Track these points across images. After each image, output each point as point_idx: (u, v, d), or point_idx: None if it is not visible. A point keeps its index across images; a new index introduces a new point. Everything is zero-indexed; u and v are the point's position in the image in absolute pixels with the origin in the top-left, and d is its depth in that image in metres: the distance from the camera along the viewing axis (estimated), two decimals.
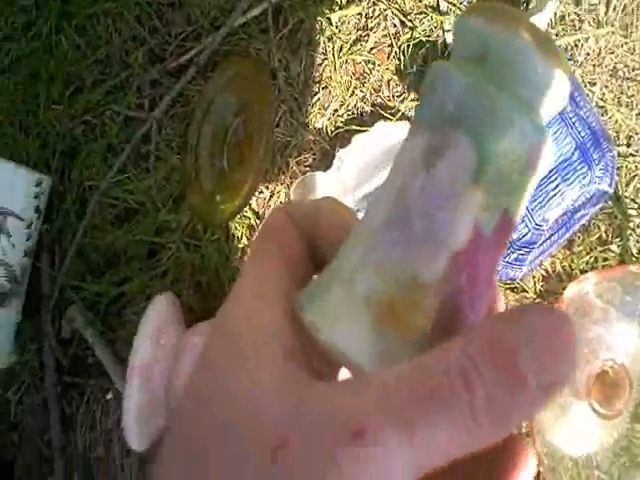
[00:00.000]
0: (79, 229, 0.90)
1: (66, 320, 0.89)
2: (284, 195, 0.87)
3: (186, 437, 0.21)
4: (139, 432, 0.69)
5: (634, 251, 0.83)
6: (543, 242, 0.79)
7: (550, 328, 0.18)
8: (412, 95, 0.87)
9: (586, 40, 0.89)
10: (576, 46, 0.89)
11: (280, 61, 0.90)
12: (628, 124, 0.86)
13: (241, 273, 0.25)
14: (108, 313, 0.89)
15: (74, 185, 0.92)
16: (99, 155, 0.91)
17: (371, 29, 0.90)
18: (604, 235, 0.83)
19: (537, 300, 0.82)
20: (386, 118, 0.85)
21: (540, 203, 0.78)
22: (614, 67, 0.88)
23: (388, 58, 0.89)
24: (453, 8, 0.87)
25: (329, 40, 0.89)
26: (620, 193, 0.84)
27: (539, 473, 0.74)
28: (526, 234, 0.78)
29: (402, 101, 0.87)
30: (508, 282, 0.81)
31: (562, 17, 0.89)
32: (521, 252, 0.78)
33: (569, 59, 0.88)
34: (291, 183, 0.86)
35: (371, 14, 0.90)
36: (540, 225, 0.78)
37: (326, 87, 0.89)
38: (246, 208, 0.86)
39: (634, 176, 0.85)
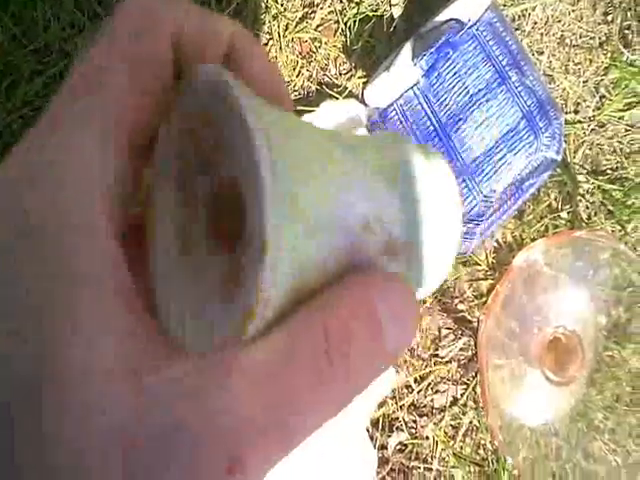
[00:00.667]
0: None
1: None
2: None
3: None
4: None
5: (584, 216, 0.79)
6: (492, 214, 0.76)
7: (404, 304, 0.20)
8: (359, 72, 0.84)
9: (533, 9, 0.86)
10: (523, 16, 0.86)
11: None
12: (575, 91, 0.82)
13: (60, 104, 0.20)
14: None
15: None
16: None
17: (317, 5, 0.87)
18: (554, 203, 0.80)
19: (489, 272, 0.79)
20: (332, 97, 0.83)
21: (487, 175, 0.75)
22: (561, 35, 0.84)
23: (334, 35, 0.86)
24: None
25: (274, 19, 0.85)
26: (569, 160, 0.81)
27: (496, 449, 0.72)
28: (474, 207, 0.75)
29: (349, 79, 0.84)
30: (459, 255, 0.78)
31: None
32: (470, 225, 0.74)
33: (516, 29, 0.86)
34: None
35: None
36: (489, 197, 0.75)
37: None
38: None
39: (582, 142, 0.82)
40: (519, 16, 0.86)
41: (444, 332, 0.77)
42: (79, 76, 0.20)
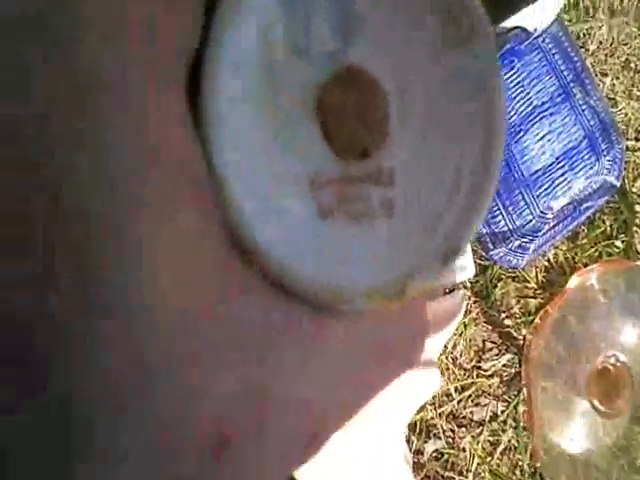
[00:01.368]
0: None
1: None
2: None
3: None
4: None
5: (639, 248, 0.77)
6: (547, 231, 0.74)
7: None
8: None
9: (599, 29, 0.84)
10: (588, 34, 0.84)
11: None
12: (637, 117, 0.80)
13: None
14: None
15: None
16: None
17: None
18: (609, 230, 0.77)
19: (538, 291, 0.78)
20: None
21: (545, 190, 0.74)
22: (626, 59, 0.82)
23: None
24: None
25: None
26: (627, 188, 0.78)
27: (536, 469, 0.72)
28: (530, 221, 0.73)
29: None
30: (510, 270, 0.76)
31: (576, 3, 0.84)
32: (524, 240, 0.73)
33: (580, 47, 0.84)
34: None
35: None
36: (544, 213, 0.73)
37: None
38: None
39: None
40: (584, 34, 0.84)
41: (488, 345, 0.76)
42: None
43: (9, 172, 0.12)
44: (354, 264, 0.17)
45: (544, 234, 0.74)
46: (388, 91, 0.17)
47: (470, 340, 0.76)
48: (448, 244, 0.17)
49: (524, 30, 0.80)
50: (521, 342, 0.74)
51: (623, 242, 0.77)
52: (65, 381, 0.12)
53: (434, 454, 0.74)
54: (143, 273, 0.12)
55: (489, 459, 0.74)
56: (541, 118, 0.77)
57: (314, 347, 0.15)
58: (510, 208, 0.74)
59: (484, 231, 0.75)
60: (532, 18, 0.78)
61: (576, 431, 0.67)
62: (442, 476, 0.73)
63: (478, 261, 0.76)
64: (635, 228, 0.78)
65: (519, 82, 0.79)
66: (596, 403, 0.66)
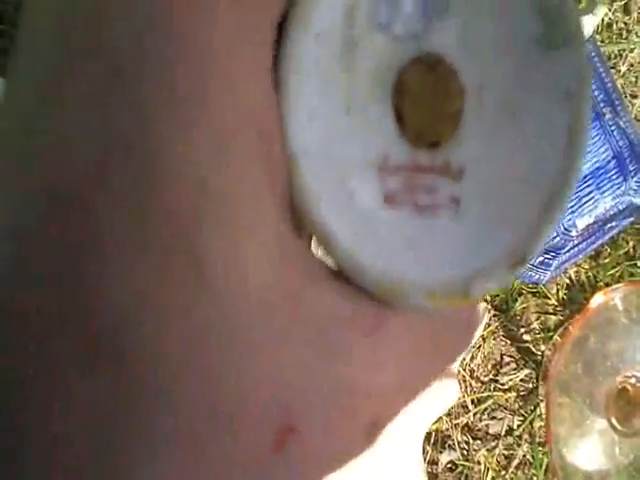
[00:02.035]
0: None
1: None
2: None
3: None
4: None
5: None
6: (570, 249, 0.74)
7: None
8: None
9: (631, 51, 0.84)
10: (620, 55, 0.84)
11: None
12: None
13: None
14: None
15: None
16: None
17: None
18: (632, 250, 0.77)
19: (558, 308, 0.77)
20: None
21: (571, 208, 0.74)
22: None
23: None
24: None
25: None
26: None
27: None
28: (554, 238, 0.73)
29: None
30: (531, 285, 0.76)
31: (609, 24, 0.84)
32: (547, 256, 0.73)
33: (612, 67, 0.84)
34: None
35: None
36: (569, 230, 0.73)
37: None
38: None
39: None
40: (616, 55, 0.84)
41: (506, 359, 0.76)
42: None
43: None
44: (416, 259, 0.16)
45: (567, 251, 0.74)
46: (466, 84, 0.16)
47: (488, 353, 0.76)
48: (517, 251, 0.16)
49: None
50: (539, 358, 0.74)
51: None
52: (137, 355, 0.12)
53: (448, 465, 0.73)
54: (224, 257, 0.13)
55: (503, 473, 0.73)
56: None
57: (377, 338, 0.15)
58: None
59: None
60: None
61: (593, 449, 0.67)
62: None
63: None
64: None
65: None
66: (614, 422, 0.66)
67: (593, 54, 0.79)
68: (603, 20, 0.84)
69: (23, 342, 0.12)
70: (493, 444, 0.74)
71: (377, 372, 0.15)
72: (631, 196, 0.74)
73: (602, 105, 0.77)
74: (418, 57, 0.16)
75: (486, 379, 0.76)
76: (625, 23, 0.85)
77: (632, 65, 0.84)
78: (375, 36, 0.16)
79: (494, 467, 0.73)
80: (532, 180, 0.16)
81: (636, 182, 0.74)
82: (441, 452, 0.73)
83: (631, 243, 0.78)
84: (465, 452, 0.74)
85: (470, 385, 0.75)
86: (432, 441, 0.73)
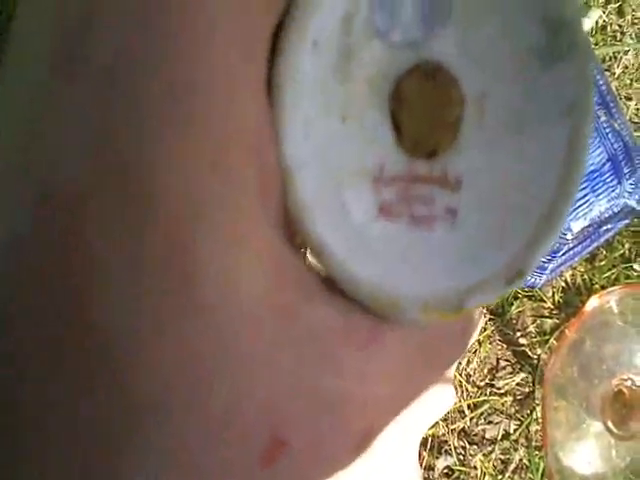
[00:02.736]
0: None
1: None
2: None
3: None
4: None
5: None
6: (566, 252, 0.74)
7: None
8: None
9: (625, 53, 0.84)
10: (615, 58, 0.84)
11: None
12: None
13: None
14: None
15: None
16: None
17: None
18: (627, 253, 0.77)
19: (554, 311, 0.77)
20: None
21: None
22: None
23: None
24: None
25: None
26: None
27: None
28: None
29: None
30: (527, 289, 0.76)
31: (604, 27, 0.84)
32: (543, 259, 0.73)
33: (606, 70, 0.84)
34: None
35: None
36: (564, 234, 0.73)
37: None
38: None
39: None
40: (610, 58, 0.84)
41: (502, 363, 0.76)
42: None
43: None
44: (411, 272, 0.16)
45: (563, 254, 0.74)
46: (466, 93, 0.16)
47: (484, 358, 0.76)
48: (514, 265, 0.15)
49: None
50: (535, 361, 0.74)
51: None
52: (131, 368, 0.12)
53: (445, 470, 0.73)
54: (216, 271, 0.13)
55: (500, 477, 0.73)
56: None
57: (370, 352, 0.15)
58: None
59: None
60: None
61: (589, 452, 0.67)
62: None
63: None
64: None
65: None
66: (610, 425, 0.66)
67: None
68: (597, 23, 0.84)
69: (16, 357, 0.12)
70: (489, 449, 0.74)
71: (370, 385, 0.15)
72: (626, 198, 0.74)
73: (597, 108, 0.78)
74: (417, 65, 0.16)
75: (482, 383, 0.76)
76: (619, 25, 0.85)
77: (626, 67, 0.84)
78: (373, 43, 0.16)
79: (491, 472, 0.73)
80: (531, 192, 0.16)
81: (631, 184, 0.74)
82: (437, 457, 0.73)
83: (627, 245, 0.78)
84: (462, 457, 0.74)
85: (466, 390, 0.75)
86: (428, 446, 0.73)
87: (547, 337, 0.75)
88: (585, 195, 0.74)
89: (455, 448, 0.74)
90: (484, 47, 0.16)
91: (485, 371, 0.76)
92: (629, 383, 0.66)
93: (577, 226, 0.73)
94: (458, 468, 0.73)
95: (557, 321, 0.75)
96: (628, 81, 0.84)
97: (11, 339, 0.12)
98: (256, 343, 0.13)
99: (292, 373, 0.14)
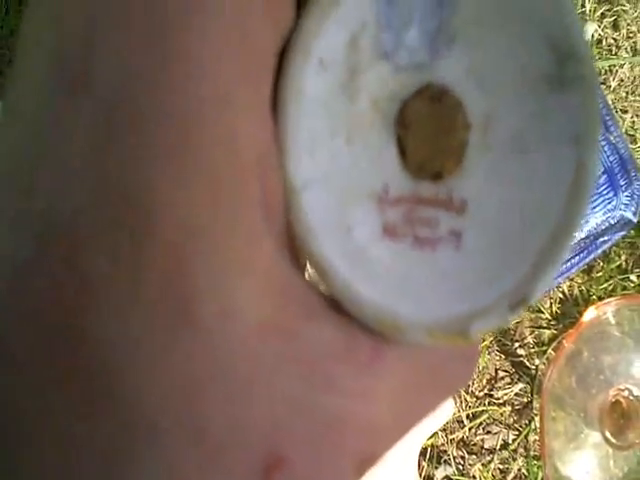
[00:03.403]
0: None
1: None
2: None
3: None
4: None
5: None
6: (563, 263, 0.75)
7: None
8: None
9: (621, 66, 0.85)
10: (610, 71, 0.85)
11: None
12: None
13: None
14: None
15: None
16: None
17: None
18: (624, 264, 0.78)
19: (552, 322, 0.78)
20: None
21: None
22: None
23: None
24: None
25: None
26: None
27: None
28: None
29: None
30: None
31: (599, 41, 0.85)
32: None
33: (602, 83, 0.85)
34: None
35: None
36: None
37: None
38: None
39: None
40: (606, 71, 0.85)
41: (500, 374, 0.77)
42: None
43: None
44: (414, 294, 0.16)
45: (560, 266, 0.74)
46: (472, 117, 0.16)
47: (483, 368, 0.77)
48: (518, 291, 0.15)
49: None
50: (534, 372, 0.75)
51: (638, 277, 0.78)
52: (121, 394, 0.12)
53: None
54: (217, 294, 0.13)
55: None
56: None
57: (370, 372, 0.15)
58: None
59: None
60: None
61: (587, 463, 0.68)
62: None
63: None
64: None
65: None
66: (608, 435, 0.67)
67: None
68: (593, 36, 0.85)
69: (17, 385, 0.13)
70: (488, 458, 0.75)
71: (371, 405, 0.15)
72: (622, 210, 0.75)
73: None
74: (423, 87, 0.16)
75: (481, 394, 0.76)
76: (614, 39, 0.86)
77: (622, 80, 0.85)
78: (379, 65, 0.16)
79: None
80: (536, 219, 0.15)
81: (627, 196, 0.75)
82: (437, 467, 0.74)
83: (623, 257, 0.79)
84: (461, 467, 0.75)
85: (465, 400, 0.76)
86: (427, 456, 0.74)
87: (545, 348, 0.76)
88: None
89: (454, 458, 0.75)
90: (490, 70, 0.16)
91: (484, 381, 0.77)
92: (626, 393, 0.67)
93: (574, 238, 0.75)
94: (457, 478, 0.74)
95: (555, 332, 0.76)
96: (624, 94, 0.85)
97: (9, 360, 0.13)
98: (256, 365, 0.13)
99: (292, 393, 0.14)
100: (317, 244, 0.16)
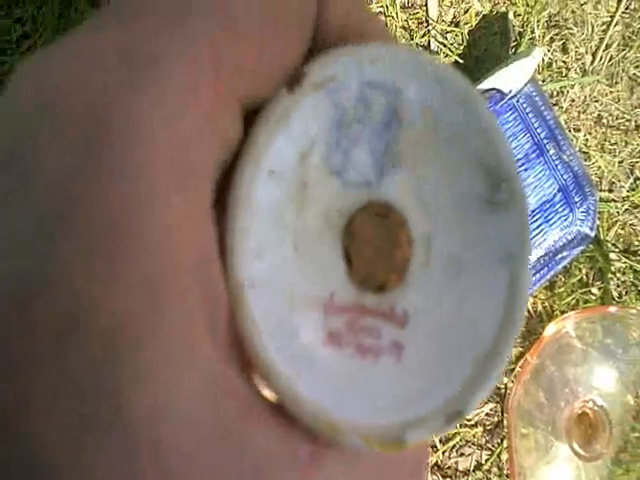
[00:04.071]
0: None
1: None
2: None
3: None
4: None
5: (615, 294, 0.80)
6: None
7: None
8: None
9: (572, 87, 0.87)
10: (562, 92, 0.87)
11: None
12: (610, 170, 0.83)
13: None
14: None
15: None
16: None
17: None
18: (585, 278, 0.80)
19: (518, 340, 0.79)
20: None
21: None
22: (598, 115, 0.86)
23: None
24: (443, 48, 0.87)
25: None
26: (601, 237, 0.81)
27: None
28: None
29: None
30: None
31: (549, 64, 0.87)
32: None
33: (554, 104, 0.88)
34: None
35: None
36: None
37: None
38: None
39: (615, 221, 0.83)
40: (557, 92, 0.88)
41: None
42: None
43: None
44: (354, 400, 0.16)
45: None
46: (414, 234, 0.17)
47: None
48: (454, 405, 0.16)
49: (499, 91, 0.84)
50: (503, 390, 0.76)
51: (599, 289, 0.80)
52: None
53: None
54: (150, 390, 0.13)
55: None
56: None
57: (312, 477, 0.15)
58: None
59: None
60: (507, 80, 0.82)
61: (559, 476, 0.68)
62: None
63: None
64: (610, 275, 0.80)
65: None
66: (576, 447, 0.68)
67: (535, 94, 0.83)
68: (543, 60, 0.88)
69: None
70: None
71: None
72: (579, 226, 0.77)
73: (546, 142, 0.81)
74: (369, 203, 0.17)
75: None
76: (564, 61, 0.89)
77: (573, 100, 0.88)
78: (328, 179, 0.17)
79: None
80: (472, 334, 0.16)
81: (582, 212, 0.77)
82: None
83: (584, 271, 0.81)
84: None
85: None
86: None
87: (512, 366, 0.77)
88: (539, 225, 0.77)
89: None
90: (430, 192, 0.17)
91: None
92: (591, 404, 0.68)
93: (533, 256, 0.76)
94: None
95: (521, 349, 0.77)
96: (576, 113, 0.88)
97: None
98: (189, 465, 0.13)
99: None
100: (261, 342, 0.16)
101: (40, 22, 0.89)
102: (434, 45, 0.87)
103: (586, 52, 0.89)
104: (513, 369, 0.76)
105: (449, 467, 0.76)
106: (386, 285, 0.17)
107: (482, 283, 0.17)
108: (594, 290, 0.80)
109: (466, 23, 0.88)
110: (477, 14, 0.88)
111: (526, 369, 0.67)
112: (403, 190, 0.17)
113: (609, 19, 0.89)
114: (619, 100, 0.87)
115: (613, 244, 0.83)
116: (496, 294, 0.16)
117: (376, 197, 0.17)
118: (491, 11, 0.89)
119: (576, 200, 0.78)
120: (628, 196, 0.85)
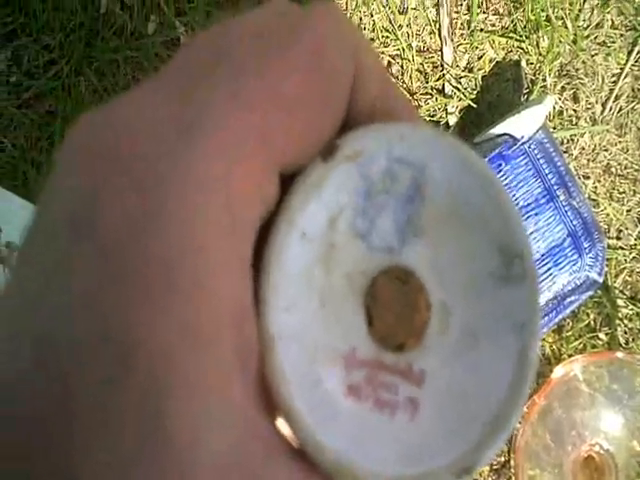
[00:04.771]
0: None
1: None
2: None
3: None
4: None
5: (622, 341, 0.81)
6: None
7: None
8: None
9: (582, 135, 0.89)
10: (572, 140, 0.89)
11: None
12: (619, 218, 0.86)
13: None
14: None
15: None
16: None
17: None
18: (593, 323, 0.82)
19: None
20: None
21: None
22: (607, 164, 0.88)
23: None
24: (457, 92, 0.90)
25: None
26: (609, 283, 0.83)
27: None
28: None
29: None
30: None
31: (560, 112, 0.90)
32: None
33: (564, 152, 0.90)
34: None
35: None
36: None
37: None
38: None
39: (623, 268, 0.84)
40: (568, 140, 0.90)
41: None
42: None
43: None
44: (371, 450, 0.17)
45: None
46: (432, 300, 0.18)
47: None
48: (463, 462, 0.17)
49: (512, 137, 0.85)
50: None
51: (607, 335, 0.81)
52: None
53: None
54: (188, 435, 0.14)
55: None
56: (527, 218, 0.82)
57: None
58: None
59: None
60: (519, 126, 0.84)
61: None
62: None
63: None
64: (618, 322, 0.82)
65: (506, 184, 0.84)
66: None
67: (546, 141, 0.84)
68: (554, 108, 0.90)
69: None
70: None
71: None
72: (587, 271, 0.79)
73: (556, 188, 0.82)
74: (391, 267, 0.18)
75: None
76: (574, 110, 0.91)
77: (583, 148, 0.90)
78: (354, 243, 0.18)
79: None
80: (483, 398, 0.17)
81: (591, 258, 0.78)
82: None
83: (591, 316, 0.82)
84: None
85: None
86: None
87: None
88: (548, 269, 0.79)
89: None
90: (448, 264, 0.18)
91: None
92: (597, 448, 0.69)
93: (542, 299, 0.78)
94: None
95: (529, 391, 0.78)
96: (585, 161, 0.89)
97: None
98: None
99: None
100: (287, 390, 0.17)
101: (67, 49, 0.91)
102: (448, 89, 0.90)
103: (596, 102, 0.91)
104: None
105: None
106: (405, 346, 0.18)
107: (494, 350, 0.18)
108: (601, 335, 0.81)
109: (480, 69, 0.90)
110: (491, 60, 0.90)
111: (533, 409, 0.69)
112: (423, 259, 0.18)
113: (619, 71, 0.91)
114: (628, 150, 0.89)
115: (621, 291, 0.84)
116: (507, 360, 0.17)
117: (397, 262, 0.18)
118: (504, 58, 0.91)
119: (585, 246, 0.79)
120: (636, 244, 0.86)
